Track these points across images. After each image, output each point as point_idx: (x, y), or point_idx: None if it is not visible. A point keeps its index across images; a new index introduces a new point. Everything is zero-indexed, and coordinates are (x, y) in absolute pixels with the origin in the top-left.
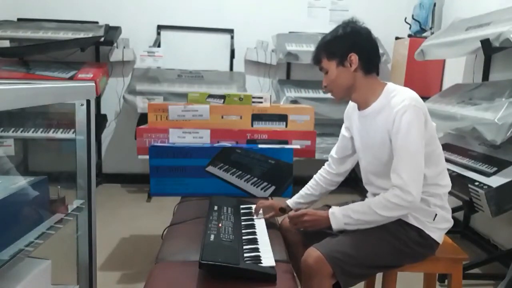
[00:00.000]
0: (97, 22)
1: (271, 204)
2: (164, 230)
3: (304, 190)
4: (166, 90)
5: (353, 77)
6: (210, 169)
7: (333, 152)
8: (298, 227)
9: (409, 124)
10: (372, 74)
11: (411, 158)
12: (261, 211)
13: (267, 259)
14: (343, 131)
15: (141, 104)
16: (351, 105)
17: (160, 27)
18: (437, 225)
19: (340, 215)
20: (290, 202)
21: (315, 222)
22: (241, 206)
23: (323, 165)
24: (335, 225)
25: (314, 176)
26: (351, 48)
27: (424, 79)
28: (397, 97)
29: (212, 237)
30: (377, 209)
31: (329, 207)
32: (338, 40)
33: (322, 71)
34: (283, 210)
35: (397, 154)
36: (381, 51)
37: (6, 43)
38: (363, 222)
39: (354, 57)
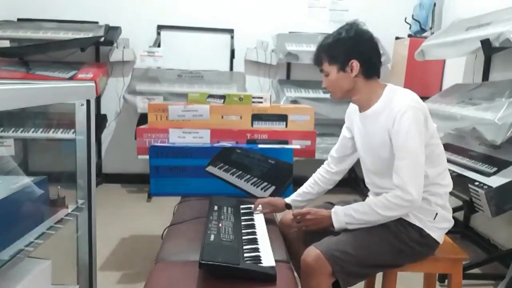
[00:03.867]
0: (97, 22)
1: (269, 201)
2: (164, 230)
3: (302, 189)
4: (166, 90)
5: (353, 81)
6: (210, 169)
7: (333, 152)
8: (300, 226)
9: (409, 125)
10: (373, 78)
11: (411, 158)
12: (259, 207)
13: (267, 259)
14: (344, 131)
15: (141, 104)
16: (353, 106)
17: (160, 27)
18: (438, 225)
19: (342, 214)
20: (288, 200)
21: (317, 221)
22: (241, 206)
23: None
24: (337, 223)
25: (313, 175)
26: (352, 54)
27: (424, 79)
28: (398, 98)
29: (212, 237)
30: (378, 209)
31: (331, 204)
32: (340, 44)
33: (323, 73)
34: (289, 206)
35: (398, 155)
36: (381, 51)
37: (6, 43)
38: (365, 221)
39: (355, 64)
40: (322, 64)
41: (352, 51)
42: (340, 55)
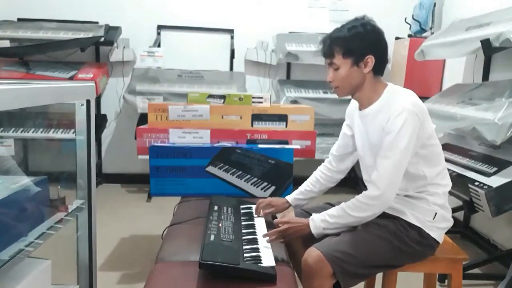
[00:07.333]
0: (97, 22)
1: (270, 202)
2: (164, 230)
3: (303, 187)
4: (166, 90)
5: (363, 77)
6: (210, 169)
7: (333, 150)
8: (286, 239)
9: (401, 126)
10: (379, 75)
11: (395, 159)
12: (261, 213)
13: (267, 259)
14: (344, 128)
15: (141, 104)
16: (353, 103)
17: (160, 27)
18: (437, 224)
19: (318, 221)
20: (289, 198)
21: (297, 229)
22: (241, 206)
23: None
24: (315, 230)
25: (314, 172)
26: (369, 49)
27: (424, 79)
28: (397, 99)
29: (212, 237)
30: (350, 211)
31: (331, 205)
32: (358, 38)
33: (331, 66)
34: (274, 217)
35: (383, 153)
36: None
37: (6, 43)
38: (340, 225)
39: (371, 59)
40: (334, 56)
41: (370, 46)
42: (358, 49)
